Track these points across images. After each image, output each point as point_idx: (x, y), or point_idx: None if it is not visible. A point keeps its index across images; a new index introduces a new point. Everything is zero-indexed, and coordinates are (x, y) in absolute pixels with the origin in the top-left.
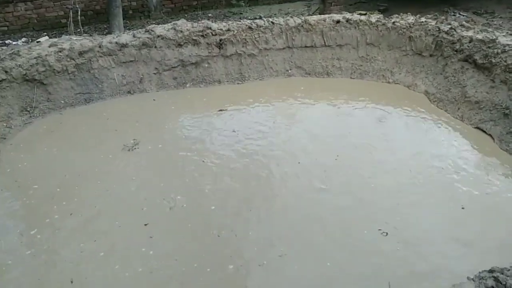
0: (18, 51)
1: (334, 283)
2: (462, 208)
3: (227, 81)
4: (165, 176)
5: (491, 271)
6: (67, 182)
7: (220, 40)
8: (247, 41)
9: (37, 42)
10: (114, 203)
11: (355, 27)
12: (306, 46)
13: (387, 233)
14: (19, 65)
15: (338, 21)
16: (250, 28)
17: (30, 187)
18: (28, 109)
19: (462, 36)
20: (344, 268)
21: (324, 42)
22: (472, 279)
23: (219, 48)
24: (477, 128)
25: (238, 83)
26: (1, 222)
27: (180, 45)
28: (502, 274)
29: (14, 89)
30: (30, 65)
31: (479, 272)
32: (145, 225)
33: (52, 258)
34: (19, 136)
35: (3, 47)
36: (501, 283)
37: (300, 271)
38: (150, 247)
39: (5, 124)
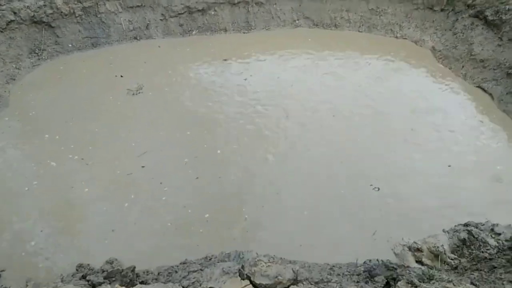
0: None
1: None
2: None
3: (233, 30)
4: (166, 119)
5: (466, 224)
6: (72, 122)
7: None
8: None
9: None
10: (113, 143)
11: None
12: None
13: (379, 188)
14: (27, 6)
15: None
16: None
17: (38, 128)
18: (37, 51)
19: None
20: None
21: None
22: (447, 231)
23: None
24: (479, 87)
25: (244, 32)
26: (12, 156)
27: None
28: (476, 228)
29: (23, 31)
30: (38, 7)
31: (455, 226)
32: (139, 156)
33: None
34: (28, 77)
35: None
36: (473, 236)
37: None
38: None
39: (14, 65)
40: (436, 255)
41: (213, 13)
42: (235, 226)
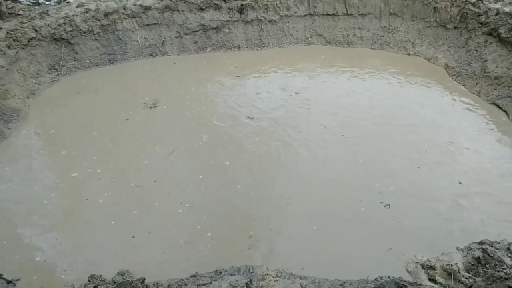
0: (47, 10)
1: None
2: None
3: (247, 47)
4: (179, 131)
5: (481, 243)
6: (89, 135)
7: (242, 5)
8: (269, 7)
9: (67, 2)
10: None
11: None
12: (327, 14)
13: (389, 205)
14: (48, 24)
15: None
16: None
17: (56, 141)
18: (56, 67)
19: (489, 8)
20: None
21: (347, 11)
22: (461, 249)
23: (240, 13)
24: (493, 104)
25: (257, 49)
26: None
27: (202, 9)
28: (491, 246)
29: (43, 47)
30: (58, 25)
31: (469, 244)
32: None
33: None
34: (47, 92)
35: (35, 6)
36: (488, 254)
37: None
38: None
39: (34, 81)
40: (449, 273)
41: (227, 30)
42: (245, 241)
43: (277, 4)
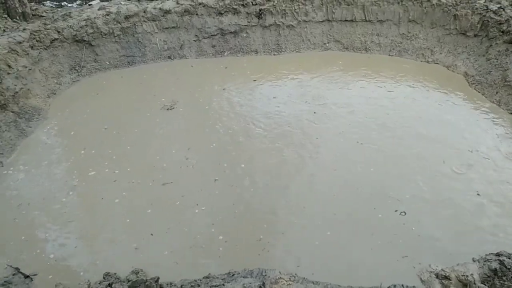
0: (70, 12)
1: None
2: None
3: (264, 52)
4: (195, 133)
5: (498, 254)
6: (107, 134)
7: (260, 10)
8: (287, 12)
9: (89, 4)
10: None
11: (398, 3)
12: (346, 20)
13: (405, 213)
14: (70, 26)
15: None
16: None
17: (75, 140)
18: (77, 68)
19: (511, 17)
20: None
21: (365, 17)
22: (478, 260)
23: (259, 18)
24: None
25: (274, 54)
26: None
27: (220, 14)
28: (509, 258)
29: (65, 49)
30: (80, 27)
31: (486, 255)
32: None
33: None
34: (67, 92)
35: (58, 8)
36: (506, 266)
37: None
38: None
39: (55, 81)
40: (464, 284)
41: (245, 35)
42: (258, 245)
43: (295, 9)
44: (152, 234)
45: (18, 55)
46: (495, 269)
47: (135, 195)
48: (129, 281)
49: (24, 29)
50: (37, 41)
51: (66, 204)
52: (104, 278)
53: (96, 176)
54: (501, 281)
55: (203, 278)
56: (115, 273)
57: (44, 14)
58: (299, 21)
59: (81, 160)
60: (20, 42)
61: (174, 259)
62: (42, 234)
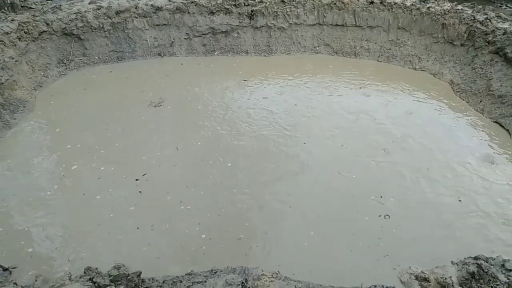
0: (60, 5)
1: None
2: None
3: (255, 53)
4: (181, 130)
5: (476, 258)
6: (93, 129)
7: (252, 11)
8: (278, 14)
9: None
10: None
11: (389, 9)
12: (336, 25)
13: (389, 216)
14: (60, 18)
15: (371, 2)
16: (282, 1)
17: (60, 134)
18: (65, 62)
19: (497, 28)
20: None
21: (355, 22)
22: (456, 263)
23: (250, 19)
24: (496, 122)
25: (265, 55)
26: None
27: (212, 13)
28: (486, 262)
29: (54, 41)
30: (70, 20)
31: (464, 258)
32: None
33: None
34: (54, 86)
35: (48, 1)
36: (483, 270)
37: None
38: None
39: (42, 73)
40: (443, 286)
41: (236, 35)
42: (241, 244)
43: (287, 12)
44: (138, 228)
45: (5, 45)
46: (473, 272)
47: (119, 191)
48: (110, 275)
49: (12, 20)
50: (25, 32)
51: (49, 198)
52: (85, 272)
53: (81, 171)
54: (479, 284)
55: (186, 274)
56: (96, 268)
57: (33, 6)
58: (291, 23)
59: (67, 154)
60: (7, 33)
61: (156, 255)
62: (23, 227)
